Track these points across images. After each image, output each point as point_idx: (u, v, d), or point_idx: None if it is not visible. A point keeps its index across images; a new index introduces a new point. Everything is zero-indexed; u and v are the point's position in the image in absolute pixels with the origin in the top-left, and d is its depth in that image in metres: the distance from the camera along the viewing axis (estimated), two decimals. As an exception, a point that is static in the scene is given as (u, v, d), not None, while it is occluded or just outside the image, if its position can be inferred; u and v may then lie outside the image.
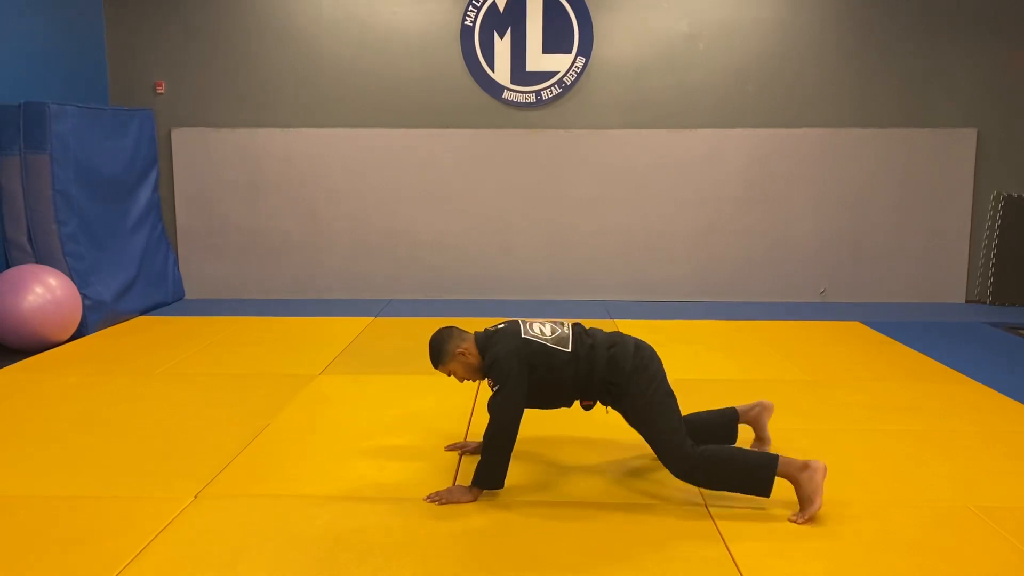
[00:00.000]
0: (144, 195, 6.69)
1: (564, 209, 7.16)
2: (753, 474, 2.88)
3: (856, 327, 6.04)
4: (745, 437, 3.39)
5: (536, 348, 3.04)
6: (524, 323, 3.14)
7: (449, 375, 3.18)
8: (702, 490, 3.05)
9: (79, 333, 5.68)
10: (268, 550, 2.64)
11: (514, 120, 7.10)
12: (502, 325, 3.17)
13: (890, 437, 3.70)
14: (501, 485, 3.00)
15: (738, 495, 2.96)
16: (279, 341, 5.53)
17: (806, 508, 2.83)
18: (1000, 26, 6.90)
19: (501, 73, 7.01)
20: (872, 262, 7.15)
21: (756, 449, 3.41)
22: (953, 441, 3.66)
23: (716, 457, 2.92)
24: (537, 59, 6.99)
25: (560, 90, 7.03)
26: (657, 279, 7.22)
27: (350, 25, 7.04)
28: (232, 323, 6.09)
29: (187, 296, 7.22)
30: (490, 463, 2.97)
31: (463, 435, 3.71)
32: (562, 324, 3.18)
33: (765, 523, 2.83)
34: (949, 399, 4.27)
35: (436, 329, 3.21)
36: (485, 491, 3.01)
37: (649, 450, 3.09)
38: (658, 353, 3.16)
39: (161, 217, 6.95)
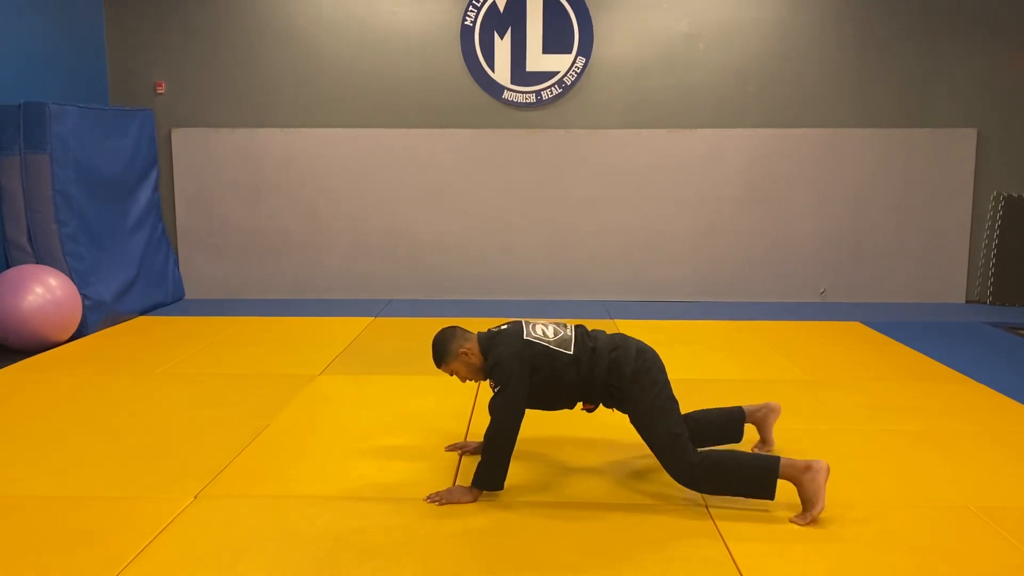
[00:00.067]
0: (144, 195, 6.69)
1: (564, 209, 7.16)
2: (756, 479, 2.87)
3: (856, 327, 6.04)
4: (747, 438, 3.39)
5: (538, 350, 3.04)
6: (527, 324, 3.14)
7: (451, 375, 3.18)
8: (703, 492, 3.05)
9: (79, 333, 5.68)
10: (268, 550, 2.64)
11: (514, 120, 7.10)
12: (505, 326, 3.17)
13: (890, 437, 3.70)
14: (501, 486, 3.00)
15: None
16: (279, 341, 5.53)
17: (808, 510, 2.83)
18: (1000, 26, 6.90)
19: (501, 73, 7.01)
20: (872, 262, 7.15)
21: (758, 451, 3.41)
22: (953, 441, 3.66)
23: (718, 464, 2.91)
24: (537, 59, 6.99)
25: (560, 90, 7.03)
26: (657, 279, 7.22)
27: (350, 25, 7.04)
28: (232, 323, 6.09)
29: (187, 296, 7.22)
30: (490, 464, 2.96)
31: (463, 435, 3.71)
32: (565, 326, 3.18)
33: (765, 523, 2.83)
34: (949, 399, 4.27)
35: (437, 329, 3.21)
36: (485, 492, 3.01)
37: (649, 450, 3.08)
38: (659, 354, 3.16)
39: (161, 217, 6.95)
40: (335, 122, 7.12)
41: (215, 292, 7.26)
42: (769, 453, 3.39)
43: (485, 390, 4.07)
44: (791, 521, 2.82)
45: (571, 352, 3.05)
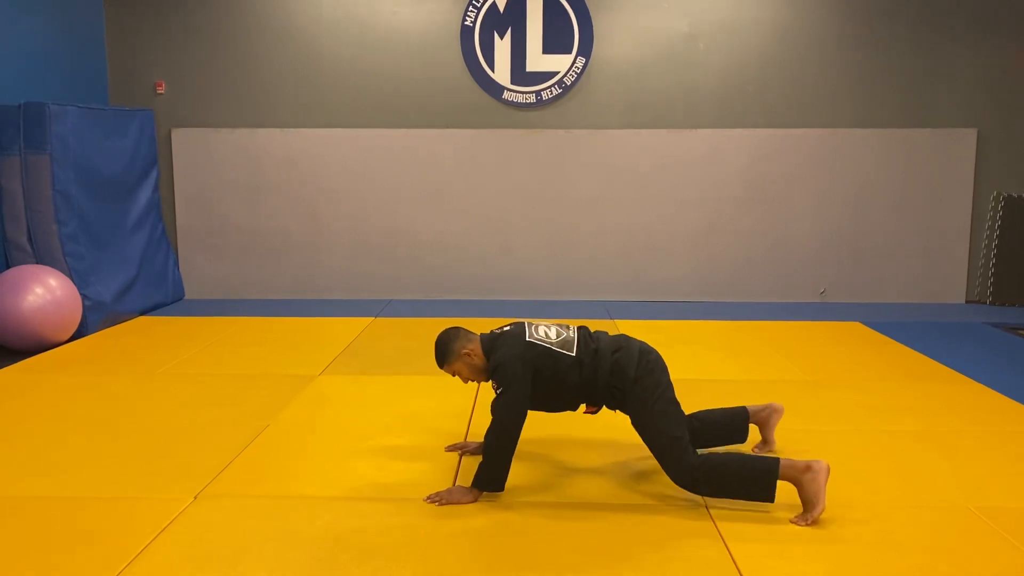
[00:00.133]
0: (144, 195, 6.69)
1: (564, 209, 7.16)
2: (755, 482, 2.87)
3: (856, 327, 6.04)
4: (748, 438, 3.39)
5: (541, 351, 3.03)
6: (530, 326, 3.14)
7: (454, 375, 3.18)
8: (703, 493, 3.05)
9: (79, 333, 5.68)
10: (268, 550, 2.64)
11: (514, 120, 7.10)
12: (508, 327, 3.17)
13: (890, 437, 3.70)
14: (502, 487, 2.99)
15: (739, 497, 2.96)
16: (279, 341, 5.53)
17: (809, 510, 2.83)
18: (1000, 26, 6.90)
19: (501, 73, 7.01)
20: (872, 262, 7.15)
21: (759, 451, 3.41)
22: (953, 441, 3.66)
23: (717, 467, 2.91)
24: (537, 59, 6.99)
25: (560, 90, 7.03)
26: (657, 279, 7.22)
27: (350, 25, 7.04)
28: (232, 323, 6.09)
29: (187, 296, 7.22)
30: (491, 465, 2.96)
31: (463, 435, 3.71)
32: (568, 327, 3.17)
33: (765, 524, 2.83)
34: (949, 399, 4.27)
35: (437, 329, 3.21)
36: (485, 492, 3.01)
37: (649, 451, 3.08)
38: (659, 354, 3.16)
39: (161, 217, 6.95)
40: (335, 122, 7.12)
41: (215, 292, 7.26)
42: (770, 454, 3.39)
43: (485, 390, 4.08)
44: (791, 522, 2.82)
45: (573, 354, 3.05)
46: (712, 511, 2.91)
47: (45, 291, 5.31)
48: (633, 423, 3.05)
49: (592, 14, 6.95)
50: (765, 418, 3.41)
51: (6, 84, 5.82)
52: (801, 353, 5.23)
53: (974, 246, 7.14)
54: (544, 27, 6.96)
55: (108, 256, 6.17)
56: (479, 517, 2.87)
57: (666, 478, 3.03)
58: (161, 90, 7.11)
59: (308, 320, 6.23)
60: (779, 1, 6.96)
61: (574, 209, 7.16)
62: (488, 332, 3.19)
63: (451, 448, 3.52)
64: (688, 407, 3.18)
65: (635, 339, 3.17)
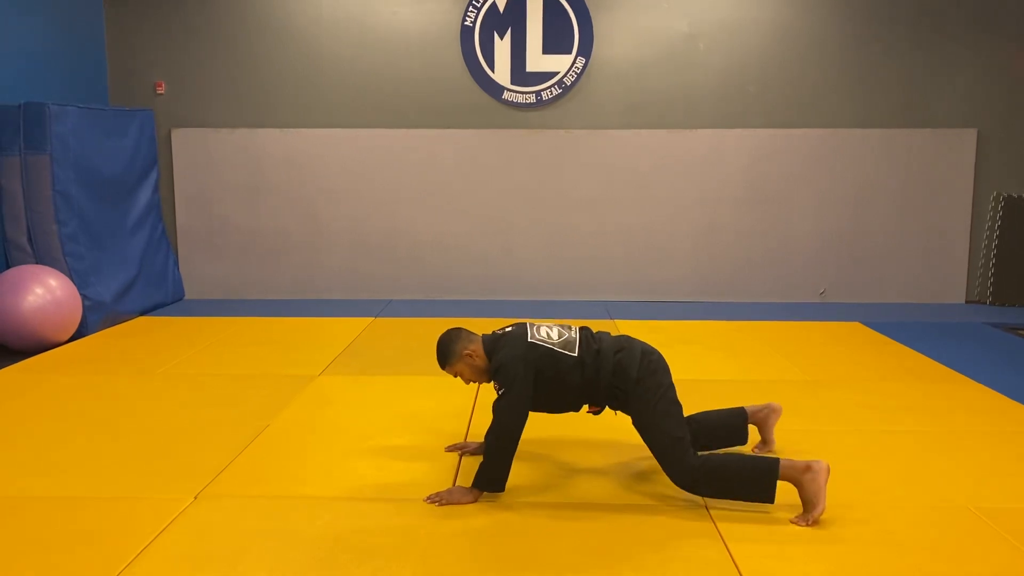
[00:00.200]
0: (144, 195, 6.69)
1: (564, 209, 7.16)
2: (755, 482, 2.87)
3: (856, 327, 6.04)
4: (749, 438, 3.39)
5: (543, 352, 3.03)
6: (531, 326, 3.14)
7: (455, 376, 3.18)
8: (703, 493, 3.05)
9: (79, 334, 5.68)
10: (268, 550, 2.64)
11: (514, 120, 7.10)
12: (510, 328, 3.17)
13: (890, 438, 3.70)
14: (502, 488, 2.99)
15: (739, 497, 2.96)
16: (279, 342, 5.53)
17: (809, 511, 2.82)
18: (1000, 26, 6.90)
19: (501, 73, 7.01)
20: (872, 262, 7.15)
21: (759, 452, 3.41)
22: (953, 442, 3.66)
23: (717, 467, 2.91)
24: (537, 59, 6.99)
25: (560, 90, 7.03)
26: (657, 279, 7.22)
27: (350, 25, 7.04)
28: (232, 323, 6.09)
29: (187, 296, 7.22)
30: (492, 466, 2.96)
31: (463, 436, 3.70)
32: (570, 328, 3.17)
33: (766, 524, 2.83)
34: (949, 399, 4.26)
35: (438, 330, 3.21)
36: (485, 493, 3.00)
37: (649, 452, 3.08)
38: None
39: (161, 217, 6.95)
40: (335, 122, 7.12)
41: (215, 292, 7.26)
42: (769, 454, 3.39)
43: (485, 390, 4.08)
44: (792, 522, 2.82)
45: (575, 354, 3.05)
46: (712, 511, 2.91)
47: (45, 291, 5.31)
48: (634, 423, 3.05)
49: (592, 14, 6.95)
50: (763, 418, 3.41)
51: (6, 84, 5.82)
52: (801, 353, 5.23)
53: (974, 246, 7.14)
54: (544, 27, 6.96)
55: (108, 256, 6.17)
56: (479, 517, 2.87)
57: (666, 478, 3.03)
58: (161, 90, 7.11)
59: (308, 320, 6.23)
60: (779, 1, 6.96)
61: (574, 209, 7.16)
62: (490, 333, 3.19)
63: (451, 448, 3.51)
64: (688, 407, 3.18)
65: (637, 340, 3.17)
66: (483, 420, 3.20)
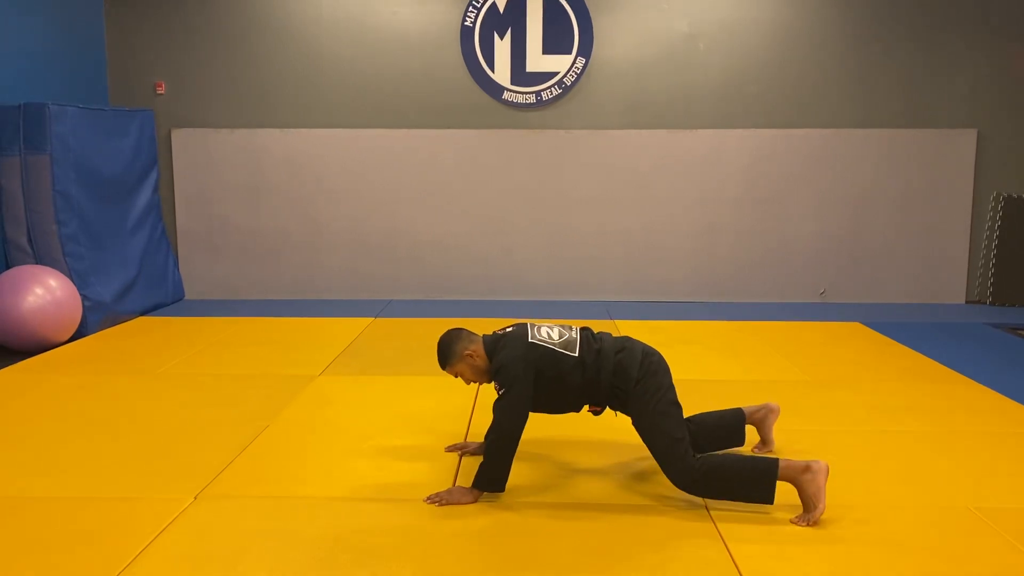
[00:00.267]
0: (144, 196, 6.69)
1: (564, 210, 7.16)
2: (754, 483, 2.87)
3: (856, 328, 6.04)
4: (747, 439, 3.39)
5: (543, 352, 3.03)
6: (532, 326, 3.14)
7: (456, 376, 3.18)
8: (702, 494, 3.05)
9: (79, 334, 5.68)
10: (268, 550, 2.64)
11: (514, 121, 7.10)
12: (510, 328, 3.16)
13: (890, 438, 3.70)
14: (502, 488, 2.99)
15: (739, 497, 2.96)
16: (279, 342, 5.53)
17: (809, 511, 2.82)
18: (1000, 26, 6.90)
19: (501, 74, 7.01)
20: (872, 262, 7.15)
21: (758, 452, 3.41)
22: (953, 442, 3.66)
23: (716, 468, 2.91)
24: (537, 60, 6.99)
25: (560, 91, 7.03)
26: (657, 280, 7.22)
27: (350, 25, 7.05)
28: (232, 324, 6.09)
29: (187, 297, 7.22)
30: (492, 466, 2.96)
31: (463, 436, 3.70)
32: (570, 328, 3.17)
33: (765, 525, 2.83)
34: (949, 399, 4.27)
35: (438, 330, 3.21)
36: (485, 493, 3.00)
37: (649, 452, 3.09)
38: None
39: (161, 218, 6.95)
40: (335, 122, 7.12)
41: (215, 292, 7.26)
42: (769, 454, 3.39)
43: (485, 390, 4.08)
44: (792, 522, 2.82)
45: (576, 354, 3.05)
46: (712, 511, 2.91)
47: (45, 291, 5.31)
48: (634, 424, 3.05)
49: (592, 14, 6.95)
50: (761, 418, 3.41)
51: (6, 84, 5.82)
52: (801, 353, 5.23)
53: (974, 246, 7.14)
54: (544, 27, 6.96)
55: (108, 256, 6.17)
56: (479, 517, 2.87)
57: (666, 479, 3.03)
58: (161, 90, 7.11)
59: (308, 320, 6.23)
60: (779, 1, 6.96)
61: (574, 209, 7.16)
62: (490, 333, 3.19)
63: (451, 448, 3.51)
64: (689, 407, 3.18)
65: (638, 341, 3.17)
66: (483, 420, 3.20)
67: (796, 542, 2.71)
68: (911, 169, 7.04)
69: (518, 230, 7.20)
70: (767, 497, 2.87)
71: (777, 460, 2.89)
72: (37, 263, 5.68)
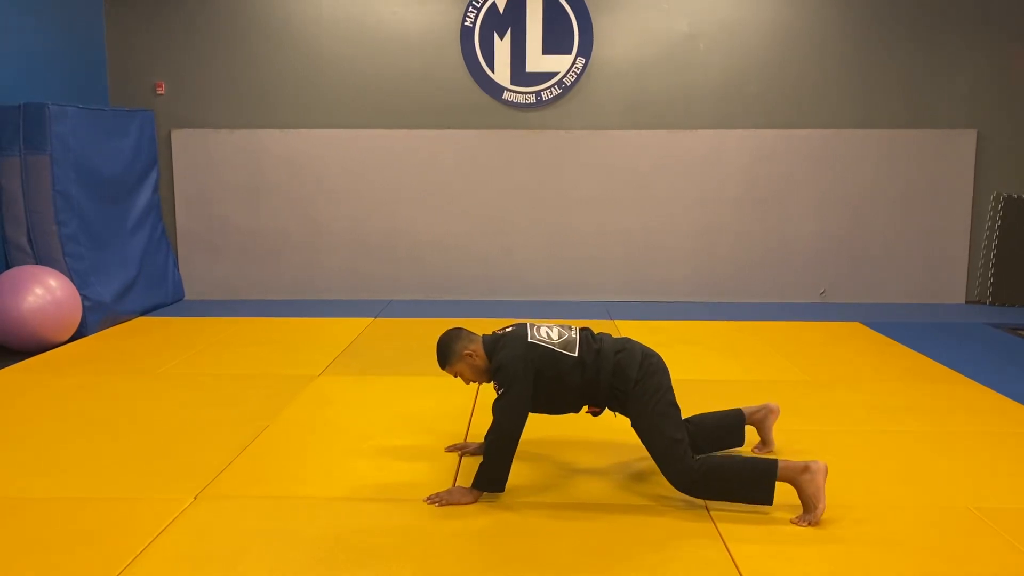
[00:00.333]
0: (144, 196, 6.69)
1: (564, 210, 7.16)
2: (754, 484, 2.87)
3: (856, 328, 6.04)
4: (747, 439, 3.39)
5: (543, 352, 3.03)
6: (532, 326, 3.14)
7: (455, 376, 3.18)
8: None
9: (79, 334, 5.68)
10: (268, 550, 2.64)
11: (514, 121, 7.10)
12: (510, 328, 3.16)
13: (890, 438, 3.70)
14: (502, 488, 2.99)
15: (739, 497, 2.96)
16: (279, 342, 5.53)
17: (809, 511, 2.82)
18: (1000, 26, 6.90)
19: (501, 74, 7.01)
20: (872, 262, 7.15)
21: (758, 452, 3.41)
22: (953, 442, 3.66)
23: (715, 469, 2.91)
24: (537, 60, 6.99)
25: (560, 91, 7.03)
26: (657, 280, 7.22)
27: (350, 25, 7.05)
28: (232, 324, 6.09)
29: (187, 297, 7.22)
30: (492, 466, 2.96)
31: (463, 436, 3.70)
32: (570, 328, 3.17)
33: (765, 525, 2.83)
34: (949, 400, 4.26)
35: (438, 330, 3.21)
36: (485, 493, 3.00)
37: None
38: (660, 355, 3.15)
39: (161, 218, 6.95)
40: (335, 122, 7.12)
41: (215, 293, 7.25)
42: (769, 454, 3.39)
43: (485, 390, 4.08)
44: (792, 522, 2.82)
45: (575, 354, 3.05)
46: (712, 512, 2.91)
47: (45, 291, 5.31)
48: (633, 425, 3.05)
49: (592, 14, 6.95)
50: (761, 419, 3.41)
51: (6, 84, 5.82)
52: (801, 353, 5.23)
53: (974, 246, 7.14)
54: (544, 27, 6.96)
55: (108, 256, 6.17)
56: (479, 517, 2.87)
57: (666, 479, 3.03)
58: (161, 90, 7.11)
59: (308, 320, 6.23)
60: (779, 1, 6.96)
61: (574, 209, 7.16)
62: (490, 333, 3.19)
63: (451, 448, 3.51)
64: (689, 408, 3.18)
65: (638, 342, 3.17)
66: (483, 420, 3.20)
67: (796, 542, 2.71)
68: (911, 169, 7.04)
69: (518, 230, 7.20)
70: (766, 498, 2.87)
71: (776, 461, 2.89)
72: (37, 263, 5.68)
